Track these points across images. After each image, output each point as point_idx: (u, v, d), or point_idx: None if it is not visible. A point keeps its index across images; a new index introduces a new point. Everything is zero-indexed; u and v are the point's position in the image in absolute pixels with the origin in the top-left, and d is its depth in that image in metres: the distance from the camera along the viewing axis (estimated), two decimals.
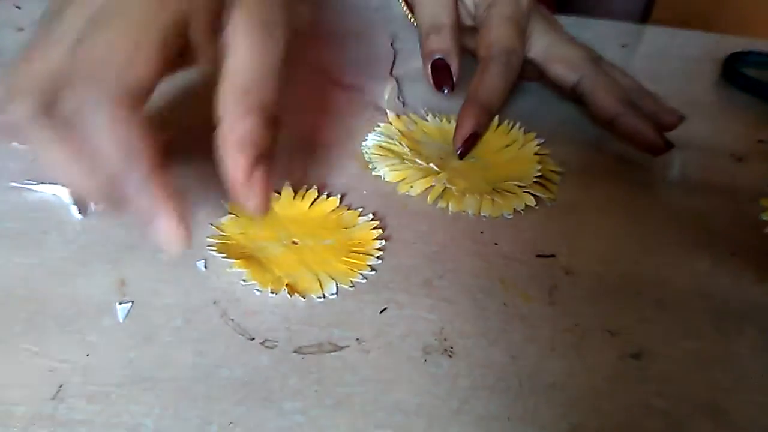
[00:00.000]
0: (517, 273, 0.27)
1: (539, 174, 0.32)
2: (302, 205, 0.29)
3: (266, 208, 0.23)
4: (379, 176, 0.31)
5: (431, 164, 0.32)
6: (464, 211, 0.30)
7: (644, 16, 0.69)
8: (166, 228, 0.20)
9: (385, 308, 0.25)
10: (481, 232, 0.29)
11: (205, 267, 0.25)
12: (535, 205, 0.30)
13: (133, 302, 0.24)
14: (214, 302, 0.24)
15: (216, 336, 0.23)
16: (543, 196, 0.31)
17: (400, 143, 0.33)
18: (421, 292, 0.25)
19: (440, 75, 0.34)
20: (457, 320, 0.24)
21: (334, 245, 0.27)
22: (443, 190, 0.31)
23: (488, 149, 0.34)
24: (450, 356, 0.23)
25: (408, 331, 0.24)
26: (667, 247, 0.29)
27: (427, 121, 0.36)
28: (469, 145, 0.32)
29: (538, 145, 0.34)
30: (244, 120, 0.22)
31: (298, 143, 0.33)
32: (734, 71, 0.43)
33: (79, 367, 0.21)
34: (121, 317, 0.23)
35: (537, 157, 0.33)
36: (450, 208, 0.30)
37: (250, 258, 0.26)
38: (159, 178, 0.20)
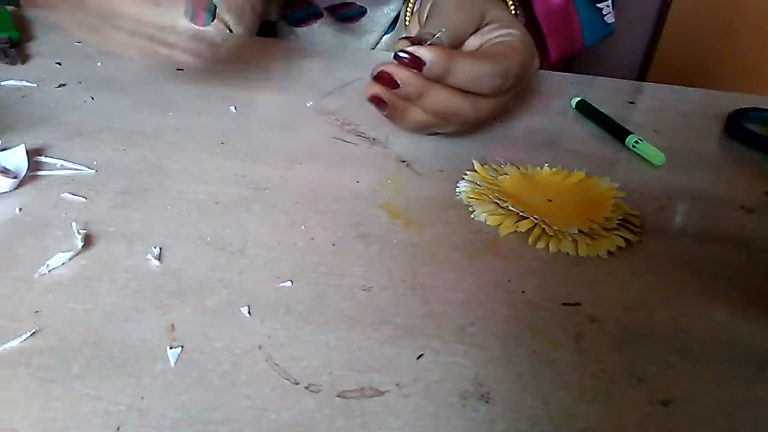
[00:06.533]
0: (544, 320, 0.28)
1: (621, 218, 0.35)
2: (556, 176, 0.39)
3: None
4: (481, 220, 0.35)
5: (521, 210, 0.35)
6: (566, 252, 0.33)
7: (642, 70, 0.72)
8: None
9: (421, 354, 0.26)
10: (509, 281, 0.30)
11: (249, 313, 0.27)
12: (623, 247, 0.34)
13: (183, 347, 0.25)
14: (259, 347, 0.25)
15: (262, 380, 0.24)
16: (632, 239, 0.34)
17: (490, 188, 0.37)
18: (454, 339, 0.27)
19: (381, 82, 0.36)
20: (491, 366, 0.26)
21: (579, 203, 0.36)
22: (541, 232, 0.33)
23: (560, 188, 0.38)
24: (486, 402, 0.24)
25: (445, 376, 0.25)
26: (684, 295, 0.30)
27: (505, 171, 0.39)
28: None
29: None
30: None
31: None
32: (738, 126, 0.46)
33: (135, 409, 0.22)
34: (172, 361, 0.24)
35: (613, 200, 0.36)
36: (550, 249, 0.33)
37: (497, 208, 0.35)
38: None
